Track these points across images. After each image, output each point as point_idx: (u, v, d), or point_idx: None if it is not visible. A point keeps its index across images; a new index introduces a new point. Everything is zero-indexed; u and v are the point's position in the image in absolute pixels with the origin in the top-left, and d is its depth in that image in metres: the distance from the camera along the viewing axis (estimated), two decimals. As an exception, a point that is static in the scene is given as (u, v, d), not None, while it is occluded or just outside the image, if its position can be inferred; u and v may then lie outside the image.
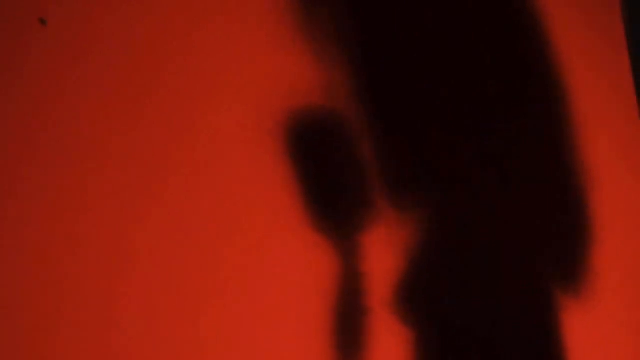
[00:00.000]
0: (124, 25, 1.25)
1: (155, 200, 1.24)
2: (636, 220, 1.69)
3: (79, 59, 1.22)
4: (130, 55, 1.25)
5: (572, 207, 1.59)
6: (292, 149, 1.35)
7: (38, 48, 1.19)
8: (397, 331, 1.39)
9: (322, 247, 1.35)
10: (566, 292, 1.55)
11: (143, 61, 1.26)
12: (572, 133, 1.61)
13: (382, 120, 1.42)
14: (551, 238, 1.56)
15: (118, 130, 1.23)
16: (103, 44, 1.24)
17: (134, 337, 1.20)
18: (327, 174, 1.37)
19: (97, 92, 1.22)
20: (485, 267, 1.48)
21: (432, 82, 1.48)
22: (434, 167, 1.46)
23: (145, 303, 1.21)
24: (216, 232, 1.28)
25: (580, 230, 1.59)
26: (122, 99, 1.24)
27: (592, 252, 1.60)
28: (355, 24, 1.43)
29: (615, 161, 1.67)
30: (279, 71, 1.35)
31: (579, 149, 1.61)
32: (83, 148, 1.21)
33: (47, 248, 1.17)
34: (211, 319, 1.26)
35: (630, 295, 1.65)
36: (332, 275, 1.35)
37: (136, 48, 1.26)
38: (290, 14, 1.37)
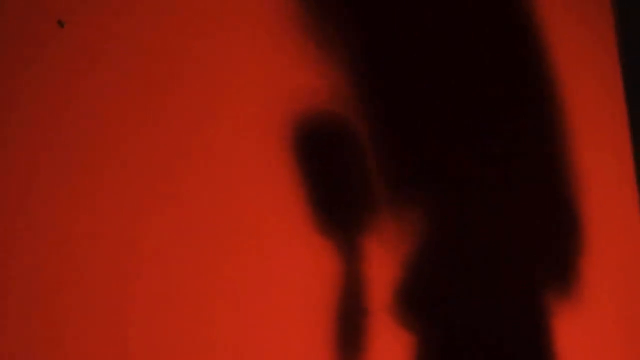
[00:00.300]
0: (131, 31, 1.25)
1: (160, 202, 1.24)
2: (627, 226, 1.70)
3: (90, 62, 1.22)
4: (136, 59, 1.25)
5: (568, 208, 1.60)
6: (296, 151, 1.35)
7: (54, 49, 1.19)
8: (398, 332, 1.39)
9: (325, 248, 1.35)
10: (561, 295, 1.56)
11: (149, 64, 1.26)
12: (566, 136, 1.62)
13: (383, 120, 1.43)
14: (550, 238, 1.57)
15: (124, 132, 1.23)
16: (106, 47, 1.24)
17: (139, 336, 1.20)
18: (331, 176, 1.37)
19: (103, 94, 1.22)
20: (485, 267, 1.48)
21: (432, 83, 1.49)
22: (434, 167, 1.47)
23: (150, 303, 1.21)
24: (220, 234, 1.27)
25: (574, 231, 1.60)
26: (128, 102, 1.24)
27: (586, 255, 1.61)
28: (357, 25, 1.43)
29: (607, 168, 1.69)
30: (283, 74, 1.36)
31: (572, 153, 1.63)
32: (90, 149, 1.20)
33: (52, 248, 1.16)
34: (214, 319, 1.26)
35: (623, 298, 1.67)
36: (334, 276, 1.34)
37: (143, 52, 1.26)
38: (295, 18, 1.38)
